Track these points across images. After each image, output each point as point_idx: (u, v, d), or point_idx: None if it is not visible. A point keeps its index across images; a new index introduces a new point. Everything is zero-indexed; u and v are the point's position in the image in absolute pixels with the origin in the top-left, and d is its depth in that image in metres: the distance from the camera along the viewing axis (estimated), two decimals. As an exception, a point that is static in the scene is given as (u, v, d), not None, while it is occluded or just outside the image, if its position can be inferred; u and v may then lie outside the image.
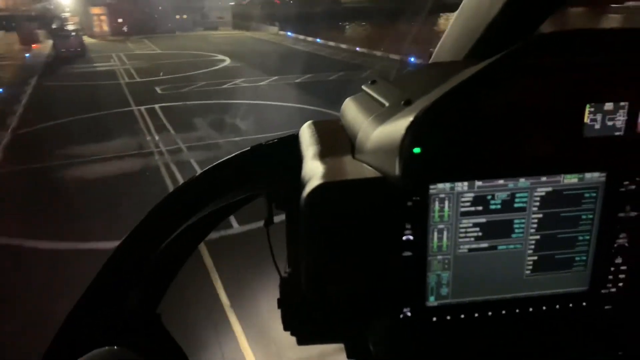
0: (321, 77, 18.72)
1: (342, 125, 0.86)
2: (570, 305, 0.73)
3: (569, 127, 0.66)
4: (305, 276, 0.68)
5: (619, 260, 0.72)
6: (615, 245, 0.72)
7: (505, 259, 0.71)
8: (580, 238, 0.71)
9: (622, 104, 0.66)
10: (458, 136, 0.63)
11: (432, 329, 0.72)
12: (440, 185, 0.66)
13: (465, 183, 0.66)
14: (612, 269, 0.73)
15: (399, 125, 0.64)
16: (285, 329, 0.85)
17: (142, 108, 14.60)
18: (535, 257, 0.71)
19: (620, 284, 0.73)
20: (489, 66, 0.61)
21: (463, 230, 0.69)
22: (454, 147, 0.64)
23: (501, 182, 0.67)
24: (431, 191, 0.66)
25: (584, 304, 0.74)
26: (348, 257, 0.67)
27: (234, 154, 0.88)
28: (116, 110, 14.56)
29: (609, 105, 0.66)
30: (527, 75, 0.63)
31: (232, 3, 46.62)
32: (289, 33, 36.64)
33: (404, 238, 0.67)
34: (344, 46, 27.93)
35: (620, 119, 0.67)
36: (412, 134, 0.61)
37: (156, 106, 14.73)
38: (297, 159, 0.80)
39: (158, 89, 17.50)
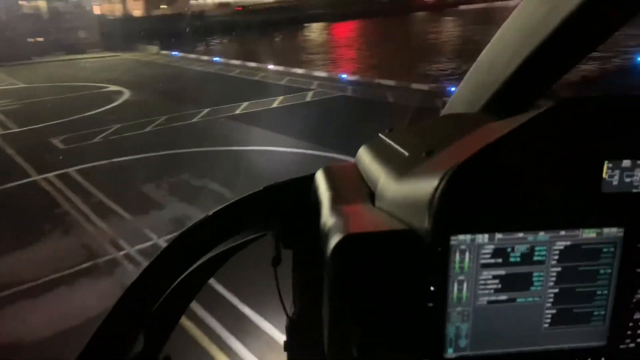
0: (262, 104, 15.57)
1: (359, 171, 0.87)
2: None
3: (588, 183, 0.68)
4: (330, 331, 0.68)
5: (637, 315, 0.73)
6: (634, 300, 0.72)
7: (524, 311, 0.71)
8: (599, 292, 0.71)
9: (639, 162, 0.68)
10: (481, 191, 0.65)
11: None
12: (461, 237, 0.67)
13: (486, 235, 0.67)
14: (631, 324, 0.73)
15: (427, 182, 0.66)
16: None
17: (51, 176, 10.19)
18: (554, 311, 0.71)
19: (639, 340, 0.73)
20: (519, 128, 0.63)
21: (483, 282, 0.69)
22: (476, 201, 0.65)
23: (521, 235, 0.68)
24: (452, 242, 0.67)
25: (603, 359, 0.73)
26: (375, 308, 0.67)
27: (246, 194, 0.87)
28: (9, 184, 9.98)
29: (626, 163, 0.68)
30: (551, 135, 0.66)
31: (98, 16, 40.57)
32: (175, 52, 32.33)
33: (427, 290, 0.68)
34: (252, 64, 24.77)
35: (638, 176, 0.68)
36: (443, 192, 0.63)
37: (71, 170, 10.42)
38: (309, 201, 0.80)
39: (57, 142, 12.85)
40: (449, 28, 39.17)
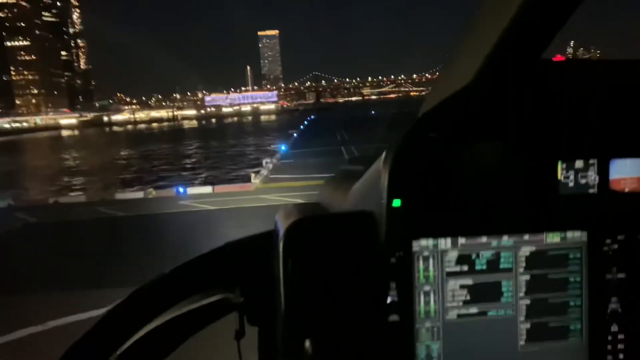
0: None
1: (321, 205, 0.85)
2: None
3: (545, 184, 0.67)
4: (284, 324, 0.65)
5: (614, 328, 0.69)
6: (609, 311, 0.69)
7: (497, 327, 0.68)
8: (572, 304, 0.69)
9: (591, 161, 0.68)
10: (437, 190, 0.64)
11: None
12: (423, 242, 0.65)
13: (449, 240, 0.66)
14: (610, 338, 0.70)
15: (375, 170, 0.66)
16: None
17: None
18: (528, 325, 0.69)
19: (621, 356, 0.70)
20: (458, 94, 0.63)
21: (450, 292, 0.66)
22: (434, 202, 0.64)
23: (484, 239, 0.67)
24: (414, 248, 0.65)
25: None
26: (330, 302, 0.63)
27: (204, 252, 0.82)
28: None
29: (579, 163, 0.68)
30: (500, 132, 0.65)
31: None
32: None
33: (389, 300, 0.64)
34: None
35: (592, 176, 0.68)
36: (392, 164, 0.62)
37: None
38: (271, 258, 0.74)
39: None
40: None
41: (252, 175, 15.71)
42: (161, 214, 10.90)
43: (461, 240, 0.66)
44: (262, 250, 0.77)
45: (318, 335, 0.63)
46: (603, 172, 0.68)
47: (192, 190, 13.39)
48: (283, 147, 23.38)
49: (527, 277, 0.67)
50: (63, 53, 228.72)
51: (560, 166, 0.66)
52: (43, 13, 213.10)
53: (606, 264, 0.68)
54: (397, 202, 0.63)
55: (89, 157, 33.03)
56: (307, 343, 0.63)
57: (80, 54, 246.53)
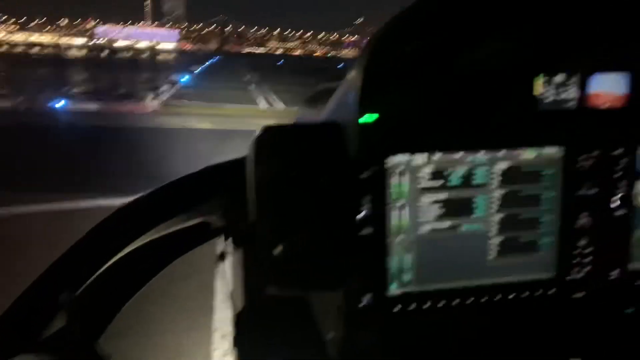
0: None
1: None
2: (538, 293, 0.69)
3: (522, 99, 0.66)
4: (256, 231, 0.63)
5: (582, 242, 0.69)
6: (577, 227, 0.69)
7: (468, 241, 0.67)
8: (543, 219, 0.68)
9: (572, 74, 0.66)
10: (413, 103, 0.63)
11: (394, 320, 0.66)
12: (398, 157, 0.63)
13: (425, 155, 0.64)
14: (577, 251, 0.69)
15: (347, 81, 0.63)
16: None
17: None
18: (499, 240, 0.68)
19: (587, 269, 0.70)
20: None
21: (424, 207, 0.65)
22: (410, 116, 0.63)
23: (460, 155, 0.65)
24: (389, 163, 0.63)
25: (552, 291, 0.69)
26: (299, 210, 0.62)
27: (182, 176, 0.77)
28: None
29: (560, 77, 0.65)
30: (478, 44, 0.63)
31: None
32: None
33: (363, 214, 0.63)
34: None
35: (573, 92, 0.66)
36: (364, 76, 0.59)
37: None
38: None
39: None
40: None
41: (149, 97, 13.80)
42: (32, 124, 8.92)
43: (437, 156, 0.63)
44: (242, 173, 0.71)
45: (289, 243, 0.61)
46: (583, 87, 0.66)
47: (74, 106, 11.27)
48: (185, 78, 21.20)
49: (501, 192, 0.67)
50: None
51: (539, 80, 0.65)
52: None
53: (579, 180, 0.68)
54: (371, 117, 0.60)
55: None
56: (279, 249, 0.61)
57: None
